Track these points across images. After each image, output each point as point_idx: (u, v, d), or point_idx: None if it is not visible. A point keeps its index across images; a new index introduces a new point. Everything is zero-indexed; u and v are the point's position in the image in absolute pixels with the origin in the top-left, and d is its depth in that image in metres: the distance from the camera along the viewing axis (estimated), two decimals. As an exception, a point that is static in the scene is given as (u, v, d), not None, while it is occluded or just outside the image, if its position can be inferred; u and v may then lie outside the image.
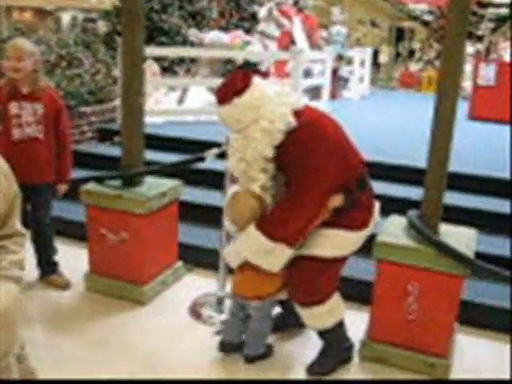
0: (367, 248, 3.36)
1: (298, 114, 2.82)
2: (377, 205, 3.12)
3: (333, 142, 2.83)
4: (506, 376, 3.16)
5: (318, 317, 3.04)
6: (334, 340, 3.16)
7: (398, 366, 3.18)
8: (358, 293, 3.80)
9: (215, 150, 3.50)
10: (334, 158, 2.80)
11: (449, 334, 3.08)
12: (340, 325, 3.14)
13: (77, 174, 5.35)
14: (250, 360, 3.15)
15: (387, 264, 3.07)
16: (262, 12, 8.80)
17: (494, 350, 3.45)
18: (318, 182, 2.78)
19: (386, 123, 7.83)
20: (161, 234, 3.87)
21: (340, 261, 3.03)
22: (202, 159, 3.54)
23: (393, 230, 3.20)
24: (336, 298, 3.08)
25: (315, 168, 2.77)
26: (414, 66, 16.59)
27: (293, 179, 2.82)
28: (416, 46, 19.77)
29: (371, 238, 3.20)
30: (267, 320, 3.16)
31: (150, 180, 3.92)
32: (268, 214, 2.87)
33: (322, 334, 3.14)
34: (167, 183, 3.92)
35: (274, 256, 2.86)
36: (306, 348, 3.35)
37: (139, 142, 3.81)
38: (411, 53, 20.28)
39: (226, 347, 3.22)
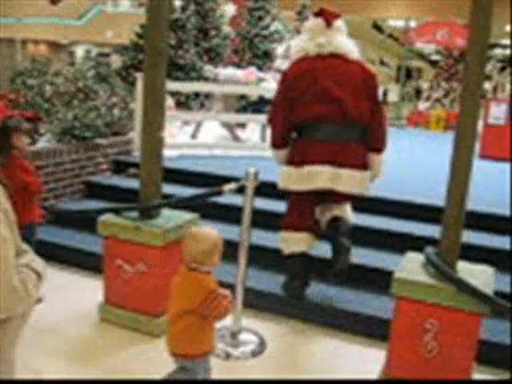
0: (384, 285, 3.37)
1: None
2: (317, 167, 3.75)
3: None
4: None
5: (281, 240, 4.02)
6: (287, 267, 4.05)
7: (415, 405, 3.15)
8: (376, 330, 3.79)
9: (233, 185, 3.53)
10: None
11: (467, 372, 3.04)
12: (291, 257, 3.96)
13: (93, 205, 5.42)
14: None
15: (405, 300, 3.06)
16: (280, 49, 8.99)
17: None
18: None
19: (399, 160, 7.84)
20: (177, 267, 3.86)
21: (297, 194, 3.90)
22: (219, 193, 3.58)
23: (410, 266, 3.21)
24: (292, 234, 3.94)
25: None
26: (422, 105, 16.72)
27: None
28: (424, 85, 19.97)
29: (388, 275, 3.21)
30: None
31: (166, 212, 3.95)
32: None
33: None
34: (184, 216, 3.95)
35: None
36: None
37: (157, 175, 3.85)
38: (418, 92, 20.46)
39: None
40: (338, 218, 3.97)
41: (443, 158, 6.24)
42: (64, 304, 4.15)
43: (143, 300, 3.80)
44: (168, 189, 5.29)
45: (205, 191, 3.81)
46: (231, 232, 4.65)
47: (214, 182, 5.17)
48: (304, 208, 3.96)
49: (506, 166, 7.87)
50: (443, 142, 10.25)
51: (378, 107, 3.88)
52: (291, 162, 3.91)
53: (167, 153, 6.62)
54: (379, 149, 3.94)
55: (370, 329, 3.86)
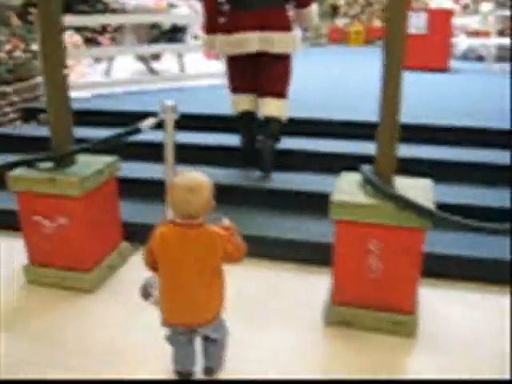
0: (323, 209, 3.24)
1: None
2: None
3: None
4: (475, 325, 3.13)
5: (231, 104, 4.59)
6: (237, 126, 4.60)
7: (366, 327, 3.08)
8: (317, 256, 3.69)
9: (152, 120, 3.25)
10: None
11: (413, 289, 2.98)
12: (238, 117, 4.53)
13: (2, 159, 4.97)
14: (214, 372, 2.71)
15: (345, 223, 2.92)
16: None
17: (457, 298, 3.41)
18: None
19: (323, 78, 7.67)
20: (101, 215, 3.61)
21: (232, 60, 4.38)
22: (138, 131, 3.28)
23: (347, 187, 3.05)
24: (236, 97, 4.50)
25: None
26: (340, 22, 16.46)
27: None
28: (340, 1, 19.68)
29: (325, 198, 3.06)
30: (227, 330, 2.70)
31: (83, 158, 3.62)
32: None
33: None
34: (103, 160, 3.64)
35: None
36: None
37: (67, 118, 3.49)
38: (335, 9, 20.17)
39: (187, 376, 2.68)
40: (270, 119, 4.33)
41: (368, 73, 6.10)
42: (-16, 269, 3.83)
43: (69, 255, 3.52)
44: (85, 132, 4.95)
45: (121, 131, 3.49)
46: (155, 170, 4.37)
47: (133, 119, 4.83)
48: (242, 72, 4.40)
49: (431, 75, 7.83)
50: (364, 56, 10.16)
51: None
52: (224, 30, 4.30)
53: (79, 94, 6.22)
54: (305, 3, 4.38)
55: (310, 255, 3.75)
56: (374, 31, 13.73)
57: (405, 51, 2.78)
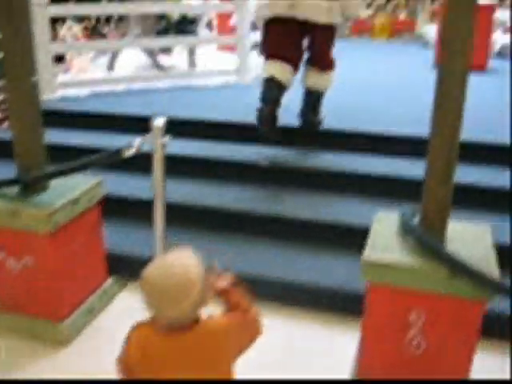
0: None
1: None
2: None
3: None
4: None
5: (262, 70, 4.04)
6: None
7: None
8: (344, 305, 3.05)
9: (136, 144, 2.60)
10: None
11: (465, 373, 2.31)
12: (266, 81, 3.91)
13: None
14: None
15: (380, 287, 2.25)
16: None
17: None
18: None
19: (353, 77, 6.75)
20: (77, 252, 2.97)
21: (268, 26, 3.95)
22: (118, 155, 2.63)
23: (382, 238, 2.36)
24: (269, 62, 3.92)
25: None
26: (364, 13, 15.66)
27: None
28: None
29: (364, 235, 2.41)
30: None
31: (58, 183, 2.96)
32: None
33: None
34: (81, 184, 2.99)
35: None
36: None
37: (37, 134, 2.83)
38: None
39: None
40: (311, 91, 4.18)
41: (399, 73, 5.39)
42: None
43: (38, 302, 2.91)
44: (76, 138, 4.38)
45: (100, 155, 2.80)
46: (145, 188, 3.69)
47: (134, 122, 4.32)
48: (278, 40, 3.94)
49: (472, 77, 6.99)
50: (391, 51, 9.44)
51: None
52: None
53: (76, 92, 5.60)
54: None
55: (332, 303, 3.10)
56: (400, 24, 12.89)
57: (470, 53, 2.11)
